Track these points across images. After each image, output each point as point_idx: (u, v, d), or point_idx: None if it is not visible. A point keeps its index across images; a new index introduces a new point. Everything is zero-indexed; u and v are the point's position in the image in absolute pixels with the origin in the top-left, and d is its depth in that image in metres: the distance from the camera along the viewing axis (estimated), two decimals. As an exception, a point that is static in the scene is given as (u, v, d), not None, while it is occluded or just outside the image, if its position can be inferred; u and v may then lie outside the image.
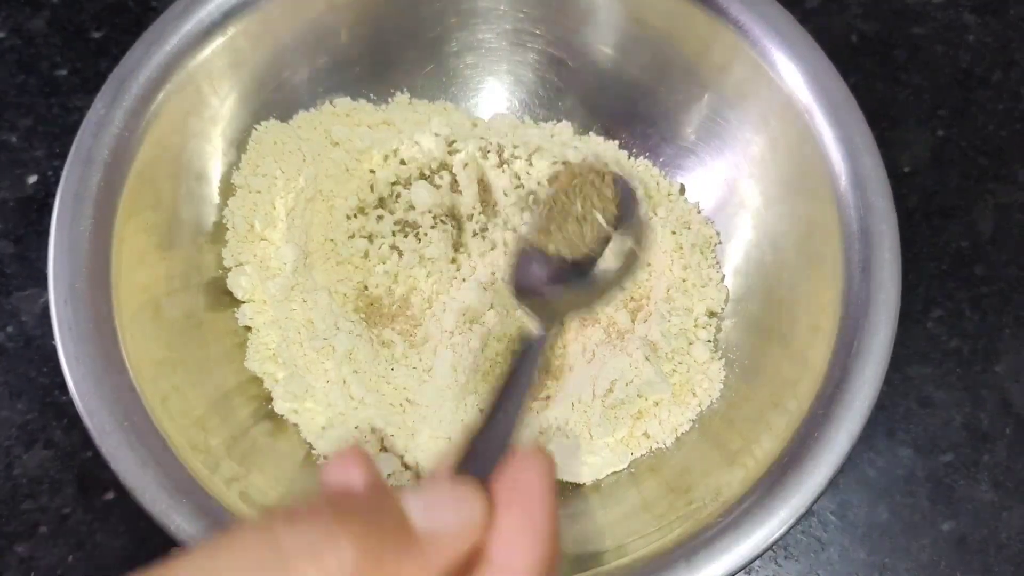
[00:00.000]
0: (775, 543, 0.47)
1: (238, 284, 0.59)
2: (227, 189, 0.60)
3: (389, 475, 0.56)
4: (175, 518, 0.46)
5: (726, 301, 0.61)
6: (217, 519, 0.46)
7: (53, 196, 0.52)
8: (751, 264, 0.61)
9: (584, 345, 0.60)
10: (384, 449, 0.56)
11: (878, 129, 0.55)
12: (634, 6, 0.61)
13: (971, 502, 0.61)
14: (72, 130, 0.54)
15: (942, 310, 0.67)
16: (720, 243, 0.63)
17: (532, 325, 0.44)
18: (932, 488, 0.62)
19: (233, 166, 0.61)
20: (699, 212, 0.64)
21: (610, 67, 0.65)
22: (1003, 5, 0.77)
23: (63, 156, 0.53)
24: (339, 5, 0.61)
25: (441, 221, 0.63)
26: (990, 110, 0.73)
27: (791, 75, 0.56)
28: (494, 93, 0.68)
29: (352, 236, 0.63)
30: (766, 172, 0.60)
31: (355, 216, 0.63)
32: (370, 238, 0.63)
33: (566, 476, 0.56)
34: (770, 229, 0.60)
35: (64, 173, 0.52)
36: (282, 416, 0.57)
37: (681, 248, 0.61)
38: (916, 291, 0.67)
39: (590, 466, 0.56)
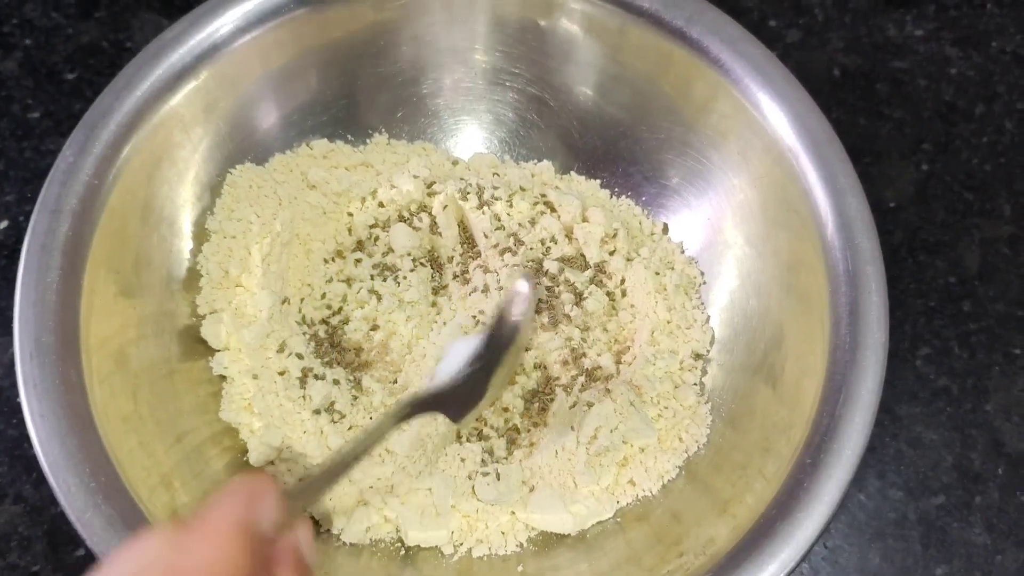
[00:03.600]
0: (765, 598, 0.45)
1: (213, 332, 0.57)
2: (201, 235, 0.59)
3: (368, 529, 0.54)
4: (144, 582, 0.44)
5: (711, 343, 0.60)
6: (188, 583, 0.45)
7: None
8: (736, 305, 0.60)
9: (568, 390, 0.58)
10: (363, 502, 0.55)
11: (861, 164, 0.54)
12: (614, 45, 0.61)
13: (964, 545, 0.60)
14: (45, 174, 0.53)
15: (930, 348, 0.66)
16: (705, 283, 0.62)
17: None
18: (924, 531, 0.60)
19: (207, 211, 0.60)
20: (683, 252, 0.63)
21: (591, 106, 0.64)
22: (985, 38, 0.77)
23: (35, 201, 0.52)
24: (311, 48, 0.60)
25: (421, 264, 0.62)
26: (974, 144, 0.73)
27: (774, 114, 0.56)
28: (474, 133, 0.67)
29: (330, 280, 0.61)
30: (750, 212, 0.59)
31: (333, 260, 0.62)
32: (348, 282, 0.61)
33: (550, 527, 0.55)
34: (755, 269, 0.59)
35: (31, 224, 0.51)
36: (258, 468, 0.55)
37: (665, 289, 0.60)
38: (903, 328, 0.66)
39: (575, 516, 0.55)
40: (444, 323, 0.61)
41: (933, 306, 0.67)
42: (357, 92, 0.64)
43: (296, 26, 0.59)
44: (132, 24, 0.76)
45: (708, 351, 0.60)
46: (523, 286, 0.54)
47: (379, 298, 0.60)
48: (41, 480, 0.60)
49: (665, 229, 0.64)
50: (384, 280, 0.61)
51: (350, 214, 0.63)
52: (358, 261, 0.62)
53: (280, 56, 0.60)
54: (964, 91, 0.75)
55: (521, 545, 0.55)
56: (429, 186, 0.63)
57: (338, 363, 0.59)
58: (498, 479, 0.55)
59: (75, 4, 0.76)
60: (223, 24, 0.57)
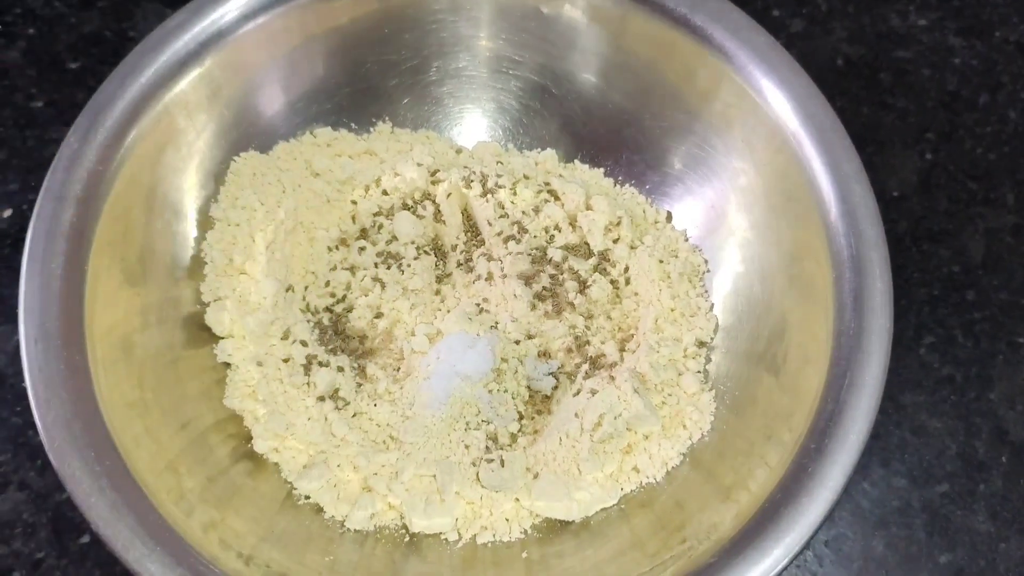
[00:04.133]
0: (770, 583, 0.45)
1: (217, 319, 0.57)
2: (205, 222, 0.59)
3: (372, 515, 0.54)
4: (150, 566, 0.44)
5: (715, 331, 0.60)
6: (193, 567, 0.45)
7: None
8: (740, 293, 0.60)
9: (572, 378, 0.58)
10: (367, 489, 0.55)
11: (865, 153, 0.54)
12: (617, 32, 0.61)
13: (968, 533, 0.60)
14: (48, 163, 0.53)
15: (934, 336, 0.66)
16: (708, 271, 0.62)
17: None
18: (928, 519, 0.60)
19: (211, 198, 0.60)
20: (687, 240, 0.63)
21: (594, 94, 0.64)
22: (988, 27, 0.77)
23: (39, 189, 0.52)
24: (316, 35, 0.60)
25: (425, 252, 0.62)
26: (978, 133, 0.73)
27: (778, 101, 0.56)
28: (477, 121, 0.67)
29: (334, 268, 0.61)
30: (754, 199, 0.59)
31: (337, 248, 0.62)
32: (352, 270, 0.61)
33: (554, 513, 0.55)
34: (759, 257, 0.59)
35: (35, 210, 0.51)
36: (262, 455, 0.56)
37: (669, 277, 0.60)
38: (907, 317, 0.66)
39: (579, 503, 0.55)
40: (448, 311, 0.61)
41: (937, 295, 0.67)
42: (361, 80, 0.63)
43: (301, 13, 0.59)
44: (135, 13, 0.76)
45: (712, 339, 0.60)
46: None
47: (383, 286, 0.60)
48: (45, 467, 0.60)
49: (669, 217, 0.64)
50: (388, 268, 0.61)
51: (354, 202, 0.63)
52: (362, 249, 0.62)
53: (285, 43, 0.60)
54: (968, 80, 0.75)
55: (525, 532, 0.55)
56: (433, 174, 0.63)
57: (342, 350, 0.59)
58: (502, 466, 0.55)
59: (78, -6, 0.77)
60: (227, 11, 0.57)
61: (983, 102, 0.74)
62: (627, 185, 0.65)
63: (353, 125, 0.65)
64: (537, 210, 0.62)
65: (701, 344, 0.59)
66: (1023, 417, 0.63)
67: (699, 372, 0.59)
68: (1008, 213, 0.70)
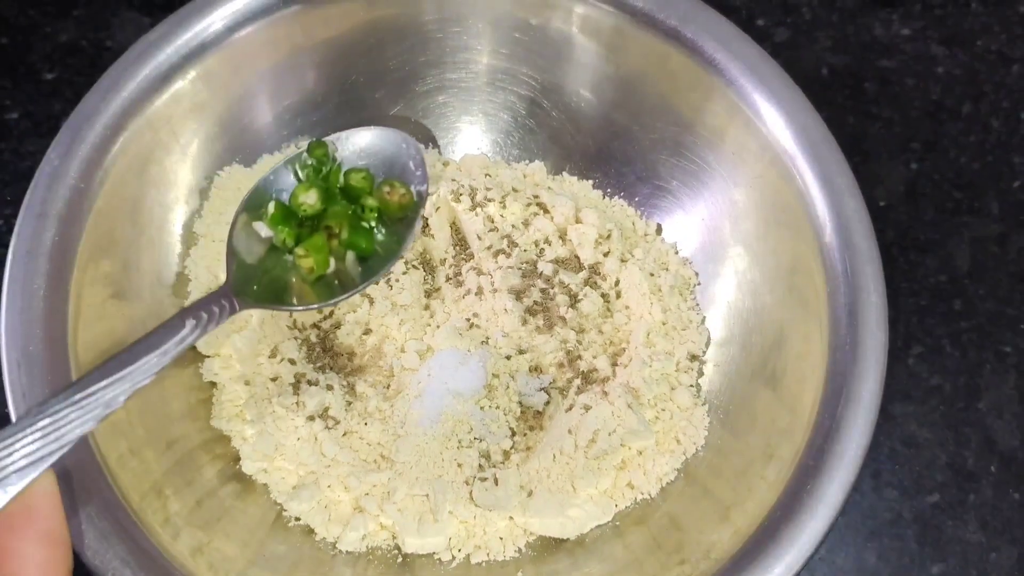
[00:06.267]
0: (771, 602, 0.45)
1: (202, 338, 0.56)
2: (189, 238, 0.58)
3: (364, 536, 0.53)
4: (140, 596, 0.43)
5: (707, 344, 0.60)
6: (185, 595, 0.44)
7: (5, 247, 0.50)
8: (732, 307, 0.59)
9: (564, 393, 0.58)
10: (359, 509, 0.54)
11: (851, 163, 0.54)
12: (607, 45, 0.60)
13: (959, 543, 0.60)
14: (25, 176, 0.52)
15: (922, 347, 0.66)
16: (699, 284, 0.61)
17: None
18: (920, 530, 0.60)
19: (195, 214, 0.59)
20: (677, 253, 0.62)
21: (584, 106, 0.63)
22: (970, 37, 0.77)
23: (15, 204, 0.51)
24: (304, 46, 0.59)
25: (413, 266, 0.61)
26: (962, 143, 0.73)
27: (769, 115, 0.56)
28: (465, 133, 0.66)
29: (321, 284, 0.60)
30: (745, 212, 0.59)
31: (323, 263, 0.61)
32: (340, 285, 0.60)
33: (549, 531, 0.54)
34: (751, 270, 0.58)
35: (16, 229, 0.50)
36: (251, 476, 0.55)
37: (660, 290, 0.60)
38: (896, 327, 0.66)
39: (573, 520, 0.54)
40: (438, 326, 0.60)
41: (924, 305, 0.67)
42: (348, 91, 0.63)
43: (286, 25, 0.58)
44: (112, 23, 0.74)
45: (704, 352, 0.60)
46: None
47: (371, 302, 0.60)
48: (26, 491, 0.58)
49: (659, 230, 0.63)
50: (376, 283, 0.60)
51: (341, 216, 0.62)
52: (349, 264, 0.61)
53: (270, 56, 0.59)
54: (951, 90, 0.75)
55: (520, 550, 0.54)
56: (421, 187, 0.62)
57: (331, 368, 0.58)
58: (496, 484, 0.54)
59: (53, 2, 0.75)
60: (211, 23, 0.56)
61: (966, 111, 0.74)
62: (616, 198, 0.64)
63: (338, 138, 0.64)
64: (527, 223, 0.62)
65: (693, 358, 0.59)
66: (1011, 426, 0.63)
67: (692, 386, 0.58)
68: (993, 222, 0.70)
